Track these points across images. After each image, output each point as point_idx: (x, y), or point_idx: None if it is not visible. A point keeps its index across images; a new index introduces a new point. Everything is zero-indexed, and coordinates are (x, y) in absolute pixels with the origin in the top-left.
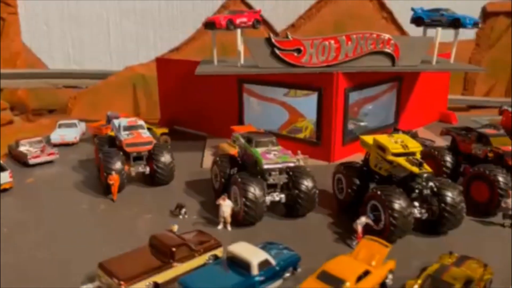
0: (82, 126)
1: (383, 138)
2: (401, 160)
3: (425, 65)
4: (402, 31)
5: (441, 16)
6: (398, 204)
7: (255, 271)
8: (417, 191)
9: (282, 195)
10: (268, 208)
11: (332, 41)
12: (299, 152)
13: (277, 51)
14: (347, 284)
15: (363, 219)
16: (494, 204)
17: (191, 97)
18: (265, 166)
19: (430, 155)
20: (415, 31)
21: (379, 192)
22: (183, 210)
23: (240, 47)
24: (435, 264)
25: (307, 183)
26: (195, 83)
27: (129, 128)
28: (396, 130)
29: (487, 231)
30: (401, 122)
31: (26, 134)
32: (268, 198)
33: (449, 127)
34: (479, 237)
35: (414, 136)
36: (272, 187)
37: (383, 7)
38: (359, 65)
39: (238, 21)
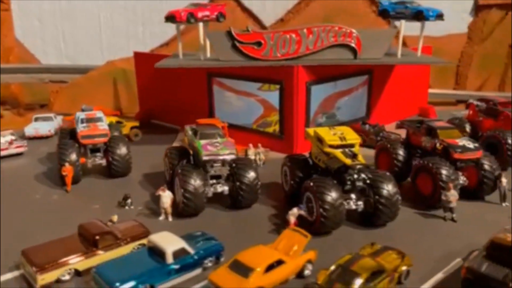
0: (59, 120)
1: (322, 130)
2: (337, 152)
3: (389, 58)
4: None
5: (405, 8)
6: (329, 195)
7: (169, 259)
8: (349, 183)
9: (226, 187)
10: (213, 199)
11: (293, 34)
12: (259, 145)
13: (238, 44)
14: (255, 273)
15: (295, 210)
16: (437, 197)
17: (167, 91)
18: (204, 158)
19: (383, 148)
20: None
21: (311, 184)
22: (129, 201)
23: (203, 40)
24: (349, 254)
25: (249, 175)
26: (170, 78)
27: (87, 120)
28: (364, 124)
29: (426, 224)
30: (374, 116)
31: (14, 128)
32: (211, 190)
33: (404, 120)
34: (416, 229)
35: (380, 129)
36: (216, 179)
37: (372, 1)
38: (321, 58)
39: (200, 14)
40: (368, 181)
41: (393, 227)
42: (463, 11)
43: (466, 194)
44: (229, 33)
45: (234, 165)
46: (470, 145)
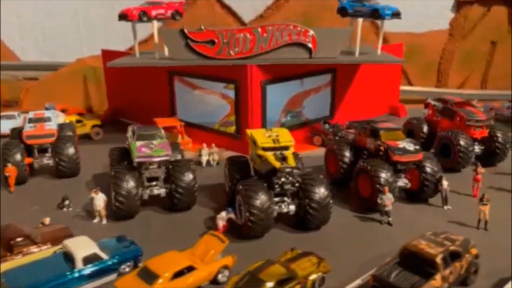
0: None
1: (257, 132)
2: (268, 155)
3: (345, 57)
4: (372, 22)
5: (363, 6)
6: (257, 199)
7: (79, 264)
8: (277, 186)
9: (163, 189)
10: (152, 201)
11: (247, 33)
12: (213, 145)
13: (191, 43)
14: (160, 280)
15: (223, 214)
16: (375, 200)
17: (133, 90)
18: (136, 159)
19: (331, 149)
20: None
21: (240, 187)
22: (67, 202)
23: (157, 38)
24: (262, 260)
25: (186, 177)
26: (136, 76)
27: (34, 120)
28: (324, 124)
29: (361, 227)
30: (338, 115)
31: None
32: (147, 192)
33: (353, 121)
34: (350, 233)
35: (339, 129)
36: (153, 181)
37: None
38: (276, 57)
39: (154, 12)
40: (299, 185)
41: (327, 230)
42: (444, 7)
43: (410, 196)
44: (182, 32)
45: (170, 166)
46: (411, 147)
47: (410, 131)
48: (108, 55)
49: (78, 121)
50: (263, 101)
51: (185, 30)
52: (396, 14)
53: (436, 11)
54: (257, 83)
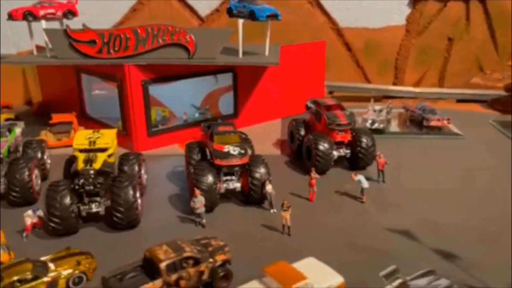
0: None
1: (81, 134)
2: (80, 155)
3: (226, 58)
4: (328, 16)
5: (243, 7)
6: (57, 202)
7: None
8: (77, 186)
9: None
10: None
11: (127, 33)
12: None
13: (74, 43)
14: None
15: (30, 212)
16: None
17: (56, 85)
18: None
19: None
20: (342, 17)
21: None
22: None
23: (46, 37)
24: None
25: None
26: (61, 72)
27: None
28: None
29: (180, 229)
30: (243, 114)
31: None
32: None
33: (206, 123)
34: (166, 235)
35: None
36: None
37: None
38: (156, 57)
39: (42, 12)
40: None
41: (142, 231)
42: (401, 2)
43: (245, 199)
44: (65, 32)
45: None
46: (236, 151)
47: (291, 133)
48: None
49: None
50: (145, 100)
51: (68, 30)
52: (272, 16)
53: (393, 6)
54: (137, 83)
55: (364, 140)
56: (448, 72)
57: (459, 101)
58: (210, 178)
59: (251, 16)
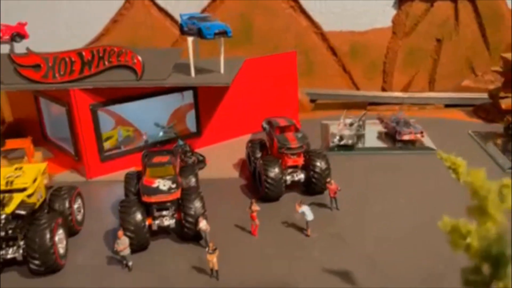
0: None
1: (6, 170)
2: None
3: (176, 78)
4: (311, 20)
5: (193, 24)
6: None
7: None
8: None
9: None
10: None
11: (72, 56)
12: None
13: (18, 68)
14: None
15: None
16: None
17: (22, 107)
18: None
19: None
20: (326, 21)
21: None
22: None
23: None
24: None
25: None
26: (21, 94)
27: None
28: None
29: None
30: (209, 132)
31: None
32: None
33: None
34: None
35: (184, 151)
36: None
37: None
38: (104, 80)
39: None
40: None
41: (63, 276)
42: (386, 3)
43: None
44: (9, 57)
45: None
46: (166, 186)
47: (248, 155)
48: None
49: None
50: (95, 125)
51: (12, 55)
52: (220, 33)
53: (377, 7)
54: (84, 107)
55: (317, 164)
56: (438, 74)
57: (448, 106)
58: (138, 217)
59: (200, 34)
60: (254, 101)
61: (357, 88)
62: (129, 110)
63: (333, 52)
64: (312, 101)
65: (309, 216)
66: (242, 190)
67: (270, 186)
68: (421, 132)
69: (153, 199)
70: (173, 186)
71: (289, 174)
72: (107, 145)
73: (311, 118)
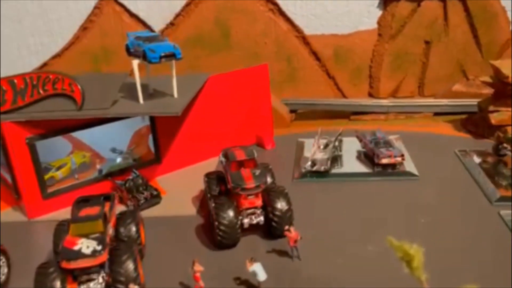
0: None
1: None
2: None
3: (121, 107)
4: (291, 23)
5: (138, 46)
6: None
7: None
8: None
9: None
10: None
11: (2, 86)
12: None
13: None
14: None
15: None
16: None
17: None
18: None
19: None
20: (308, 24)
21: None
22: None
23: None
24: None
25: None
26: None
27: None
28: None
29: None
30: (170, 158)
31: None
32: None
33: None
34: None
35: (137, 185)
36: None
37: None
38: (40, 110)
39: None
40: None
41: None
42: (369, 3)
43: None
44: None
45: None
46: (90, 248)
47: (205, 189)
48: None
49: None
50: (34, 159)
51: None
52: (167, 56)
53: (361, 8)
54: (19, 141)
55: (278, 205)
56: (427, 78)
57: (438, 114)
58: (57, 285)
59: (144, 57)
60: (223, 120)
61: (343, 94)
62: (87, 132)
63: (316, 57)
64: (293, 111)
65: (262, 276)
66: (197, 233)
67: (223, 234)
68: (402, 155)
69: (73, 265)
70: (98, 248)
71: (246, 216)
72: (59, 174)
73: (288, 134)
